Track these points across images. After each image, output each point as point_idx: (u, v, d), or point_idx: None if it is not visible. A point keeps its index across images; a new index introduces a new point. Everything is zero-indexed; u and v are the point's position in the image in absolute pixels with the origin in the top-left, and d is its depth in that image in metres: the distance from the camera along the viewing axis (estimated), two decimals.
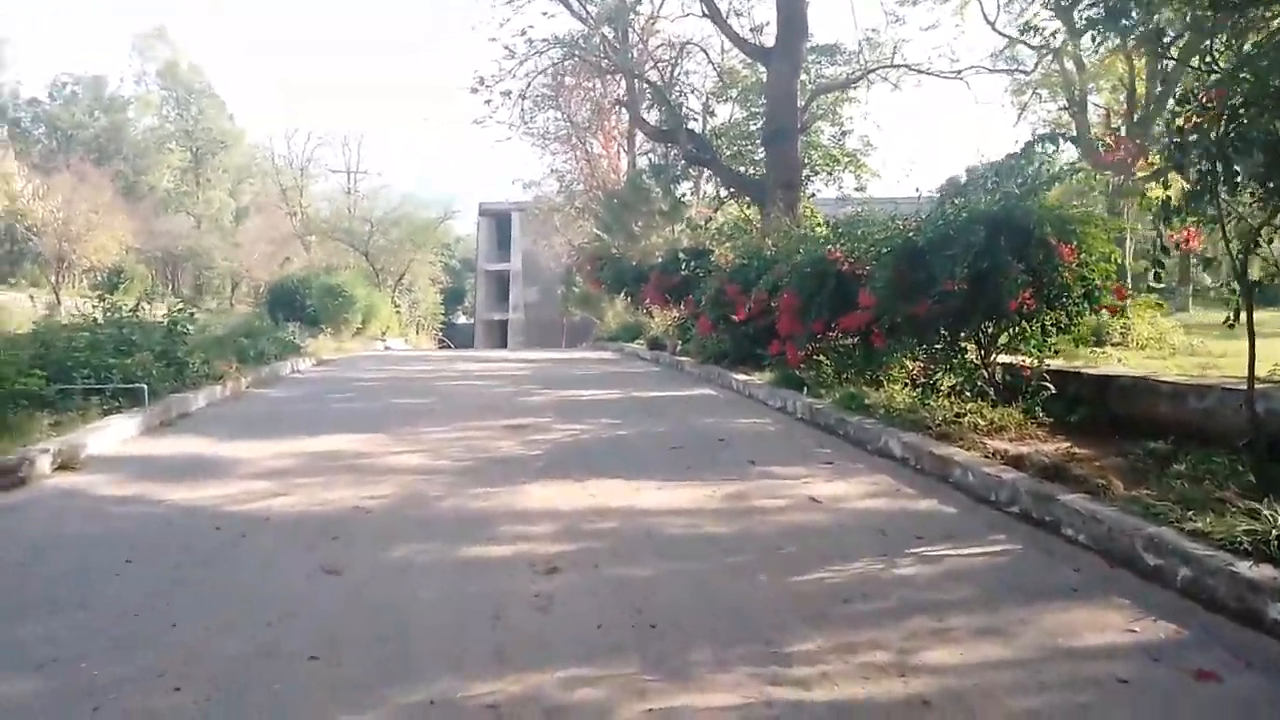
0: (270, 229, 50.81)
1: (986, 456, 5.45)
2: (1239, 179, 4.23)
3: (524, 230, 46.81)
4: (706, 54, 24.76)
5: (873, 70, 22.95)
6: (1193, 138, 4.42)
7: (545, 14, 29.20)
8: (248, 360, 12.18)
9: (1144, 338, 11.58)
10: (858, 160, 24.81)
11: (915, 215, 8.44)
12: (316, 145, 63.57)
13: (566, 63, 23.25)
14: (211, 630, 3.20)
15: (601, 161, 30.79)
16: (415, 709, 2.62)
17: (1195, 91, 4.43)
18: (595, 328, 29.29)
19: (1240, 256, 4.53)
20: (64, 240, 37.23)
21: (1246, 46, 4.52)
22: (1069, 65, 16.29)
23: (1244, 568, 3.29)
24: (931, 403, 6.86)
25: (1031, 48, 18.40)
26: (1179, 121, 4.31)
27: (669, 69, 23.89)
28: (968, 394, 7.03)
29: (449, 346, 41.06)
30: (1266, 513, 3.61)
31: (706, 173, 25.60)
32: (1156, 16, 5.34)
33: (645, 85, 23.30)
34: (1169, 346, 11.44)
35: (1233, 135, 3.97)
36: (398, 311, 37.94)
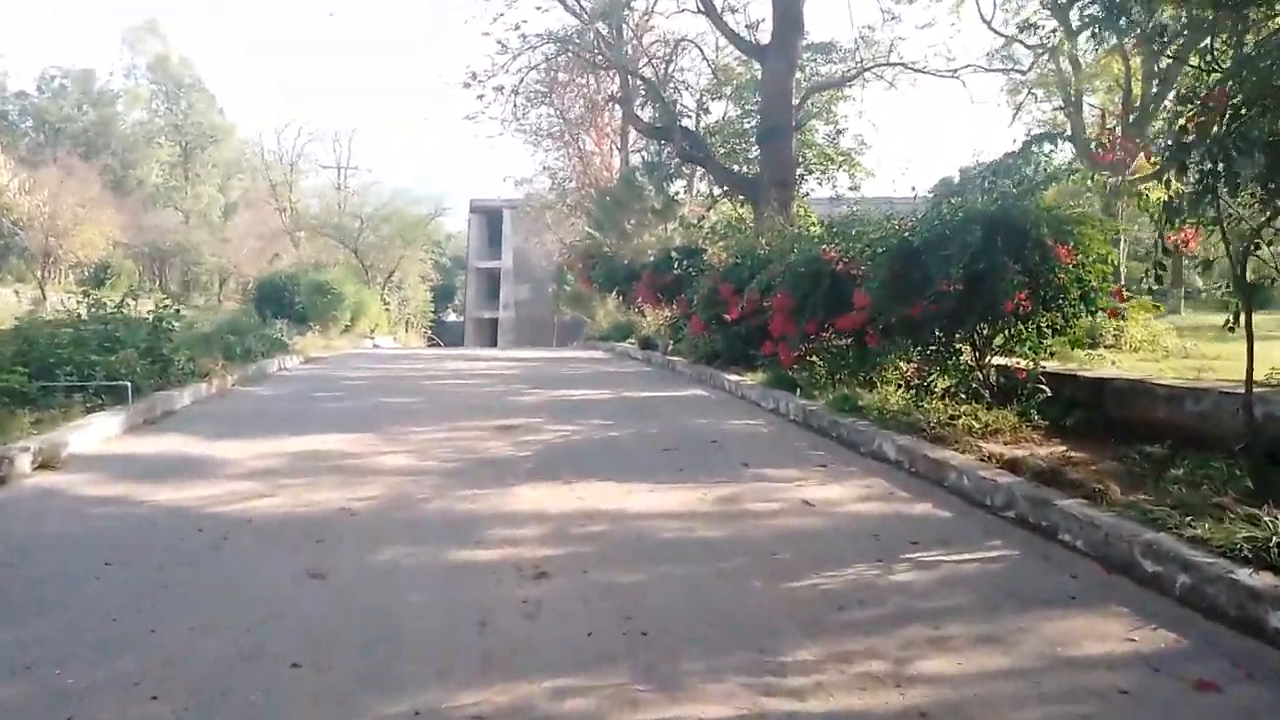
0: (259, 225, 50.47)
1: (981, 460, 5.40)
2: (1240, 180, 4.18)
3: (515, 228, 46.73)
4: (701, 51, 24.76)
5: (868, 68, 22.91)
6: (1193, 137, 4.38)
7: (539, 8, 28.93)
8: (234, 358, 12.06)
9: (1137, 340, 11.56)
10: (852, 159, 24.79)
11: (911, 215, 8.39)
12: (307, 141, 63.28)
13: (560, 58, 23.19)
14: (191, 635, 3.12)
15: (594, 159, 30.74)
16: None
17: (1196, 90, 4.39)
18: (586, 326, 29.23)
19: (1240, 259, 4.49)
20: (50, 235, 36.85)
21: (1247, 46, 4.47)
22: (1065, 65, 16.27)
23: (1244, 575, 3.24)
24: (926, 405, 6.81)
25: (1028, 47, 18.39)
26: (1181, 121, 4.27)
27: (663, 65, 23.83)
28: (962, 396, 6.98)
29: (439, 344, 40.92)
30: (1266, 519, 3.56)
31: (700, 171, 25.57)
32: (1158, 14, 5.29)
33: (639, 82, 23.20)
34: (1162, 349, 11.42)
35: (1234, 135, 3.93)
36: (387, 309, 37.84)
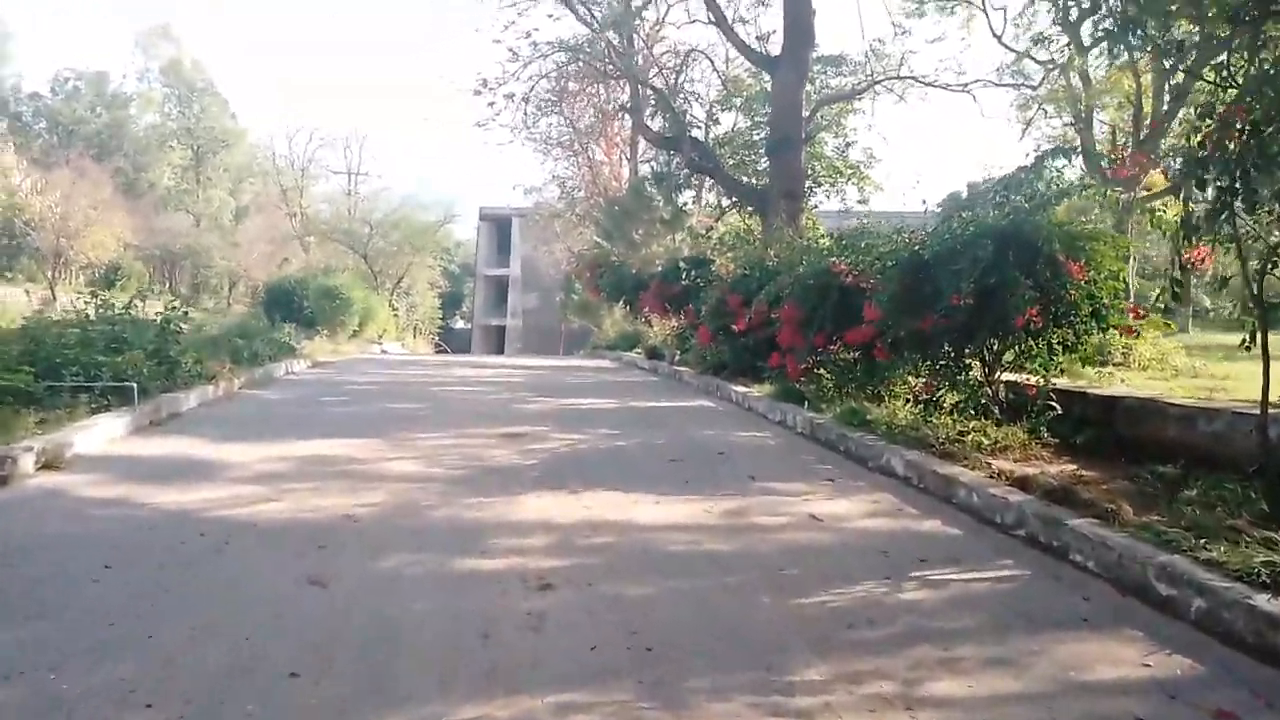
0: (270, 229, 50.67)
1: (991, 477, 5.34)
2: (1257, 197, 4.13)
3: (524, 236, 46.73)
4: (711, 62, 24.75)
5: (879, 81, 22.90)
6: (1211, 153, 4.33)
7: (551, 16, 28.95)
8: (241, 361, 12.06)
9: (1146, 358, 11.48)
10: (861, 173, 24.75)
11: (921, 229, 8.34)
12: (318, 146, 63.41)
13: (570, 67, 23.20)
14: (189, 641, 3.07)
15: (603, 168, 30.74)
16: None
17: (1213, 106, 4.34)
18: (593, 335, 29.21)
19: (1256, 277, 4.43)
20: (61, 236, 37.07)
21: (1265, 63, 4.42)
22: (1075, 81, 16.23)
23: (1262, 601, 3.17)
24: (934, 420, 6.75)
25: (1038, 62, 18.35)
26: (1198, 137, 4.22)
27: (673, 76, 23.82)
28: (971, 412, 6.92)
29: (446, 351, 40.89)
30: None
31: (709, 182, 25.54)
32: (1174, 29, 5.25)
33: (649, 92, 23.20)
34: (1171, 368, 11.34)
35: (1253, 152, 3.88)
36: (395, 315, 37.86)
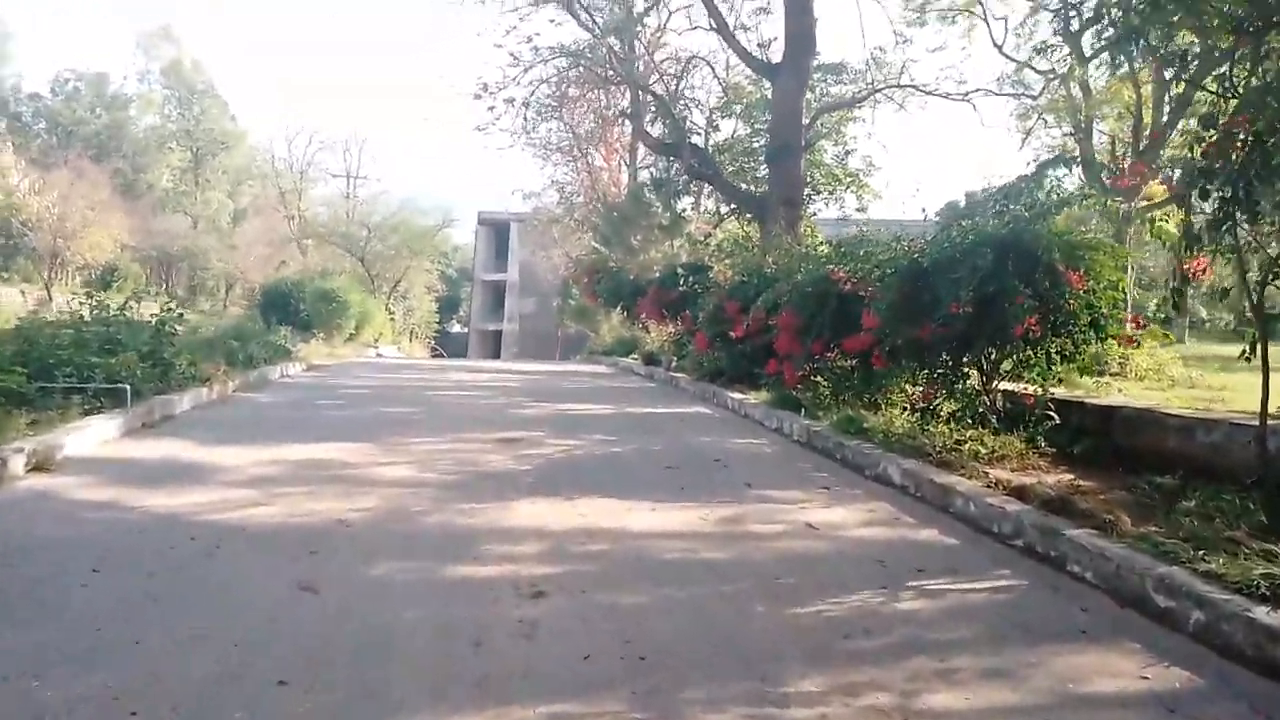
0: (268, 231, 50.53)
1: (988, 486, 5.31)
2: (1259, 208, 4.11)
3: (522, 241, 46.71)
4: (712, 68, 24.72)
5: (879, 89, 22.88)
6: (1206, 164, 4.31)
7: (553, 21, 28.91)
8: (236, 363, 12.01)
9: (1142, 368, 11.48)
10: (860, 180, 24.73)
11: (920, 237, 8.33)
12: (318, 149, 63.21)
13: (571, 73, 23.16)
14: (177, 648, 3.03)
15: (602, 174, 30.72)
16: None
17: (1216, 116, 4.32)
18: (590, 341, 29.19)
19: (1258, 288, 4.41)
20: (59, 236, 36.93)
21: (1269, 73, 4.41)
22: (1075, 91, 16.26)
23: (1261, 613, 3.14)
24: (931, 428, 6.72)
25: (1039, 72, 18.36)
26: (1202, 147, 4.20)
27: (674, 82, 23.81)
28: (968, 421, 6.89)
29: (442, 355, 40.86)
30: None
31: (707, 188, 25.50)
32: (1176, 39, 5.24)
33: (650, 98, 23.20)
34: (1168, 378, 11.35)
35: (1256, 163, 3.86)
36: (392, 318, 37.79)
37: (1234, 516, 4.29)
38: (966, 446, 6.18)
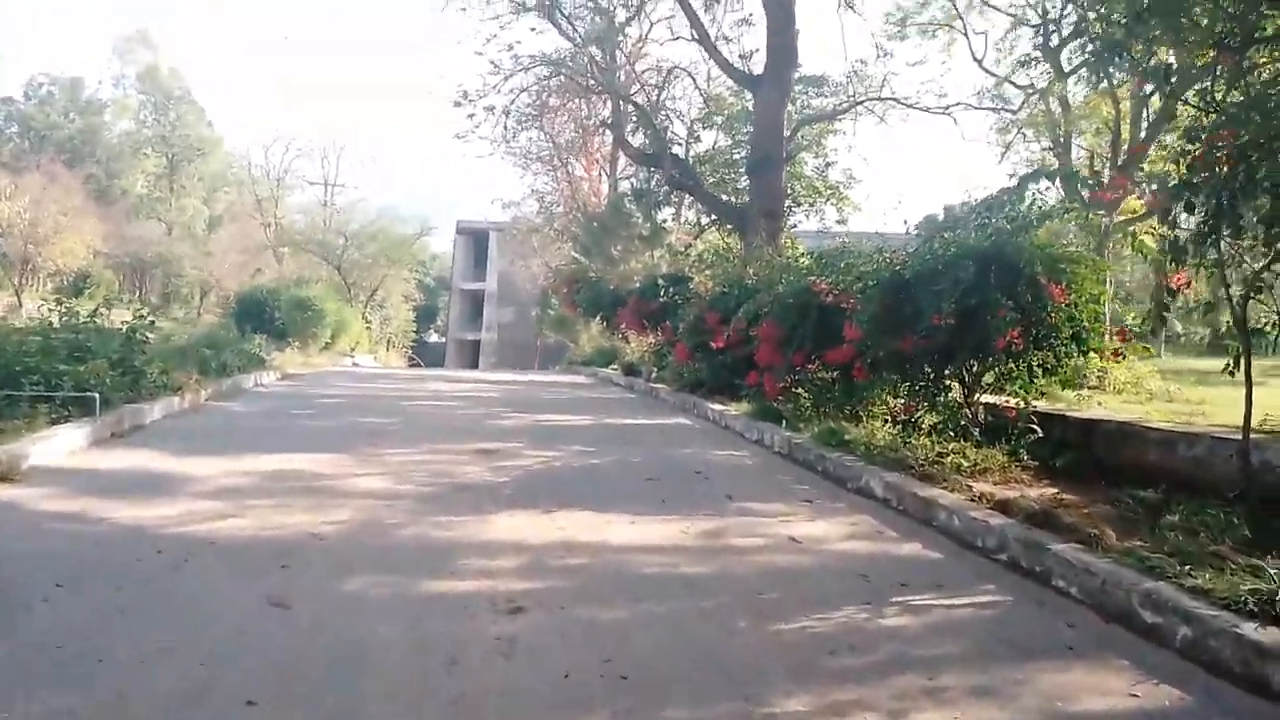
0: (243, 239, 50.06)
1: (972, 500, 5.27)
2: (1243, 222, 4.11)
3: (501, 250, 46.59)
4: (693, 79, 24.77)
5: (860, 102, 22.99)
6: (1190, 177, 4.31)
7: (534, 30, 28.81)
8: (209, 372, 11.83)
9: (1120, 382, 11.54)
10: (840, 193, 24.82)
11: (903, 249, 8.33)
12: (295, 156, 62.75)
13: (551, 82, 23.13)
14: (142, 667, 2.92)
15: (583, 184, 30.69)
16: None
17: (1199, 131, 4.33)
18: (569, 351, 29.09)
19: (1241, 302, 4.41)
20: (30, 242, 36.37)
21: (1253, 88, 4.43)
22: (1055, 106, 16.44)
23: (1249, 630, 3.11)
24: (913, 441, 6.68)
25: (1018, 87, 18.58)
26: (1185, 161, 4.20)
27: (655, 93, 23.83)
28: (950, 433, 6.87)
29: (419, 365, 40.59)
30: (1271, 571, 3.43)
31: (688, 199, 25.54)
32: (1158, 55, 5.27)
33: (631, 108, 23.20)
34: (1146, 392, 11.41)
35: (1240, 177, 3.86)
36: (368, 327, 37.54)
37: (1218, 531, 4.27)
38: (949, 459, 6.14)
